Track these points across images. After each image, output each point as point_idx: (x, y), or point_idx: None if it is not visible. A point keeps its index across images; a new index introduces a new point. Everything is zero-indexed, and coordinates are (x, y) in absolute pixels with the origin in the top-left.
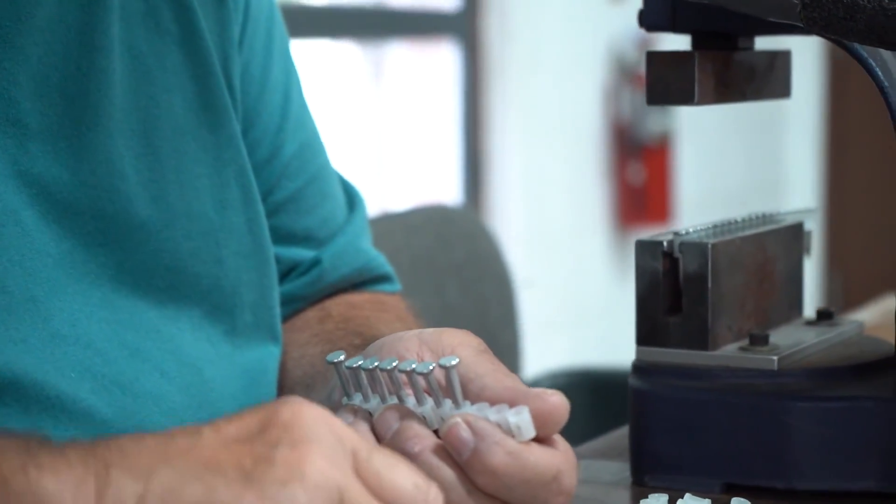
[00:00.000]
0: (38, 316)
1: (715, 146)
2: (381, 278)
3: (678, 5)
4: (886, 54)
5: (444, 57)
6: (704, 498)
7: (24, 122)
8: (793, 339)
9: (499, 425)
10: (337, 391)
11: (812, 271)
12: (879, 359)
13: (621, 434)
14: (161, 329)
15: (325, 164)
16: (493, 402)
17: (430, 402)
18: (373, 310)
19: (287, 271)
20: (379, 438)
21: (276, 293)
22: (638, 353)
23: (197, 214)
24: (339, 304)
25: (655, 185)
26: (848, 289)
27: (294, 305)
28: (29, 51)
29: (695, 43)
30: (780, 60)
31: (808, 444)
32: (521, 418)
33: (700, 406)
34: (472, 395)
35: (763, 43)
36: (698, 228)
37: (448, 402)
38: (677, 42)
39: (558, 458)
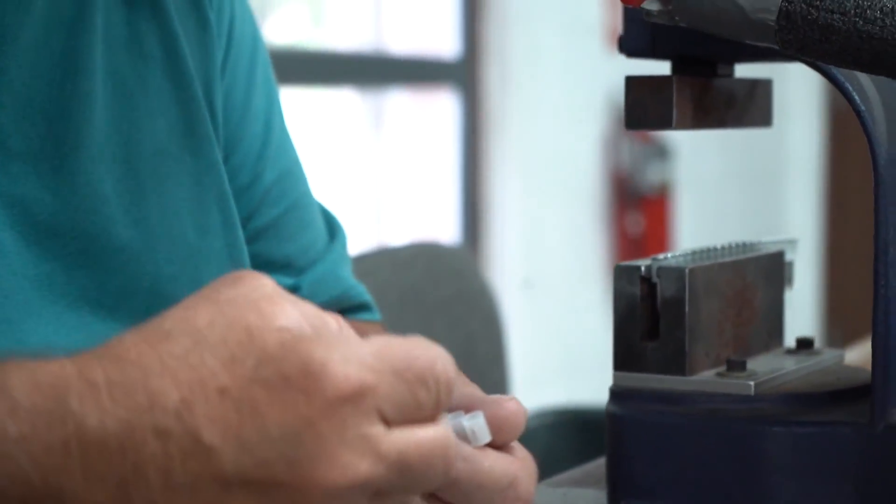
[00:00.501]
0: (11, 337)
1: (714, 197)
2: (361, 307)
3: (658, 31)
4: (863, 78)
5: (443, 104)
6: None
7: (5, 144)
8: (771, 367)
9: (454, 430)
10: None
11: (811, 319)
12: (857, 386)
13: (600, 463)
14: None
15: (306, 192)
16: (450, 410)
17: None
18: None
19: None
20: None
21: None
22: (615, 378)
23: (177, 238)
24: None
25: (654, 236)
26: (847, 337)
27: None
28: (12, 73)
29: (674, 69)
30: (761, 89)
31: (785, 469)
32: (475, 423)
33: (676, 431)
34: None
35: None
36: (677, 255)
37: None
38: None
39: (515, 465)
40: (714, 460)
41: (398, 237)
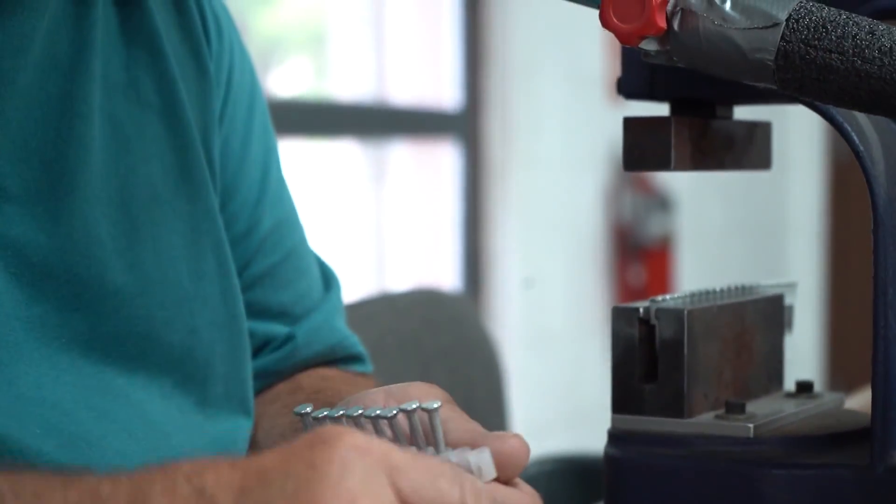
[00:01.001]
0: (1, 379)
1: (716, 248)
2: (354, 358)
3: (656, 73)
4: (862, 119)
5: (445, 156)
6: None
7: (1, 186)
8: (770, 409)
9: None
10: None
11: (813, 367)
12: (856, 429)
13: None
14: (130, 395)
15: (302, 241)
16: (455, 446)
17: None
18: (344, 383)
19: (261, 346)
20: None
21: (248, 366)
22: (613, 420)
23: (172, 283)
24: (310, 377)
25: (656, 287)
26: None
27: (266, 380)
28: (9, 115)
29: (673, 110)
30: (761, 131)
31: None
32: (481, 458)
33: (675, 473)
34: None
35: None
36: (675, 297)
37: (412, 450)
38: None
39: (525, 500)
40: (713, 503)
41: (399, 286)
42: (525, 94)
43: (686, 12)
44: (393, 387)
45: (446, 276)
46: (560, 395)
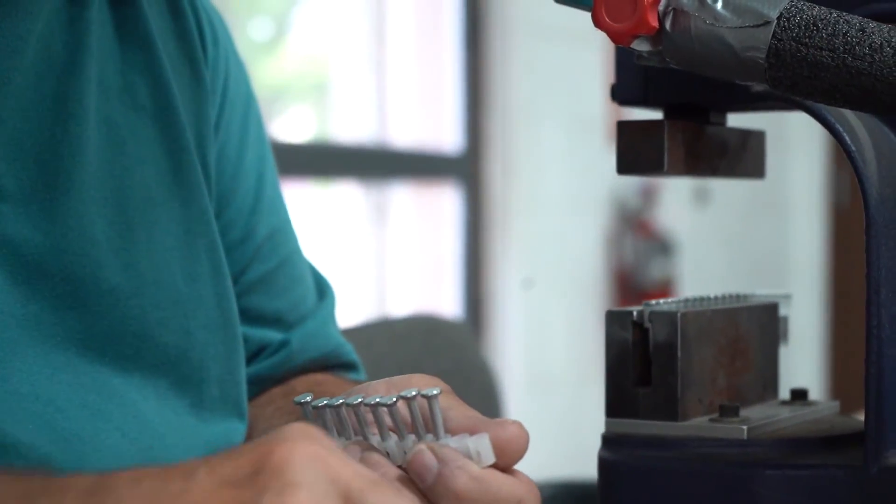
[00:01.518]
0: None
1: (717, 292)
2: (348, 366)
3: (650, 78)
4: (853, 120)
5: (446, 198)
6: None
7: None
8: (764, 414)
9: (460, 451)
10: None
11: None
12: (850, 432)
13: None
14: (124, 395)
15: (297, 249)
16: (454, 433)
17: (393, 438)
18: (337, 388)
19: (256, 352)
20: None
21: (243, 369)
22: (607, 424)
23: (166, 284)
24: (304, 381)
25: None
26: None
27: (261, 386)
28: (4, 115)
29: (667, 115)
30: (754, 140)
31: None
32: (480, 444)
33: (668, 476)
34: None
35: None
36: (669, 301)
37: (411, 438)
38: None
39: (522, 487)
40: None
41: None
42: (526, 137)
43: (678, 12)
44: (395, 378)
45: (447, 317)
46: (559, 438)
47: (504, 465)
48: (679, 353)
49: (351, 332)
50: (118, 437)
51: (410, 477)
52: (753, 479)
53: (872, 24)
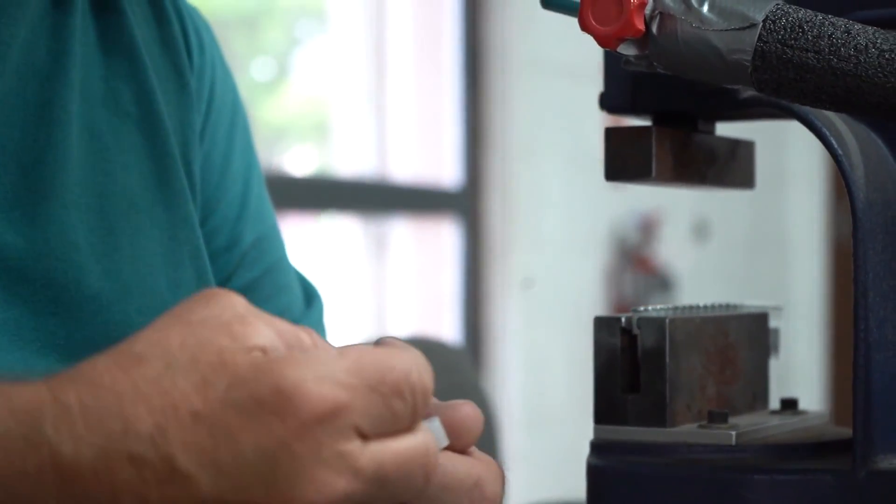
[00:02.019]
0: None
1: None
2: None
3: (638, 86)
4: (840, 125)
5: (445, 233)
6: None
7: None
8: (753, 422)
9: None
10: None
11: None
12: (840, 439)
13: None
14: None
15: (283, 257)
16: None
17: None
18: None
19: None
20: None
21: None
22: (595, 431)
23: (150, 291)
24: None
25: None
26: None
27: None
28: None
29: (655, 124)
30: (743, 149)
31: None
32: (432, 427)
33: (657, 481)
34: None
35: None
36: (658, 308)
37: None
38: None
39: (478, 466)
40: None
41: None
42: (525, 172)
43: (664, 16)
44: None
45: None
46: (559, 474)
47: (460, 446)
48: (667, 359)
49: None
50: None
51: None
52: (742, 485)
53: (858, 26)
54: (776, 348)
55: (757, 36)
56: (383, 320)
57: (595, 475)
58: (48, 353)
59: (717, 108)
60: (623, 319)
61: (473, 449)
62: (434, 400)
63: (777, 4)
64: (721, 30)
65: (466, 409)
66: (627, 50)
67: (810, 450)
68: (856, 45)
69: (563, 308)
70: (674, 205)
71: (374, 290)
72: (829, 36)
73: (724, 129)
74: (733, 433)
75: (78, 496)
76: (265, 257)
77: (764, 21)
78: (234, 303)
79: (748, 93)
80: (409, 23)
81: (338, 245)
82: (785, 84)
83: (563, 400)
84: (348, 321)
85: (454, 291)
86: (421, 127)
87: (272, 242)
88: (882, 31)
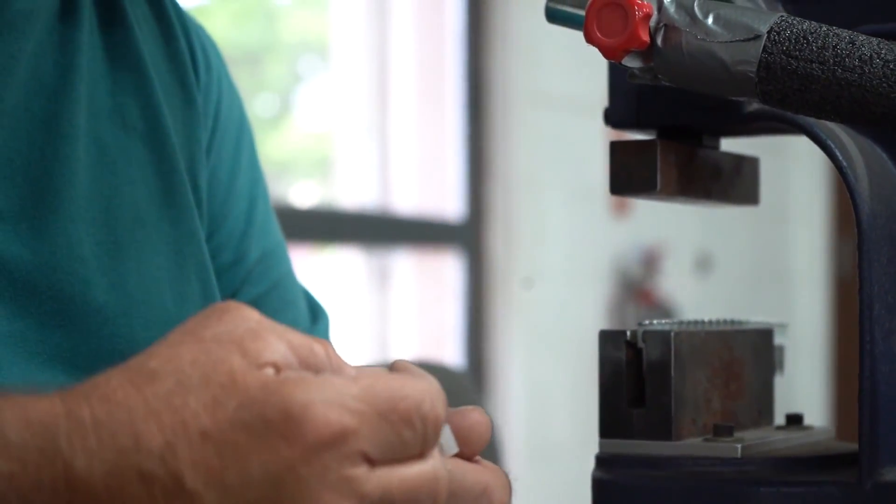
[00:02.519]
0: None
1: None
2: None
3: (642, 101)
4: (845, 138)
5: (447, 266)
6: None
7: None
8: (758, 436)
9: None
10: None
11: None
12: (846, 453)
13: None
14: None
15: (289, 273)
16: None
17: None
18: None
19: None
20: None
21: None
22: (601, 445)
23: (156, 304)
24: None
25: None
26: None
27: None
28: None
29: (660, 136)
30: (748, 166)
31: None
32: (443, 434)
33: (663, 494)
34: None
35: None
36: (663, 322)
37: None
38: None
39: (487, 474)
40: None
41: None
42: (527, 205)
43: (669, 28)
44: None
45: None
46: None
47: (469, 452)
48: (672, 373)
49: None
50: None
51: None
52: (748, 497)
53: (862, 36)
54: (781, 365)
55: (762, 47)
56: (386, 352)
57: (600, 489)
58: (54, 366)
59: (721, 122)
60: (628, 333)
61: (479, 458)
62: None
63: (782, 16)
64: (726, 41)
65: (475, 416)
66: (632, 62)
67: (816, 463)
68: (860, 56)
69: (565, 341)
70: (677, 238)
71: (376, 322)
72: (834, 47)
73: (729, 147)
74: (739, 446)
75: None
76: (271, 273)
77: (769, 32)
78: (248, 316)
79: (753, 106)
80: (411, 56)
81: (341, 277)
82: (790, 95)
83: (565, 432)
84: (352, 353)
85: (456, 324)
86: (423, 160)
87: (278, 258)
88: (886, 42)
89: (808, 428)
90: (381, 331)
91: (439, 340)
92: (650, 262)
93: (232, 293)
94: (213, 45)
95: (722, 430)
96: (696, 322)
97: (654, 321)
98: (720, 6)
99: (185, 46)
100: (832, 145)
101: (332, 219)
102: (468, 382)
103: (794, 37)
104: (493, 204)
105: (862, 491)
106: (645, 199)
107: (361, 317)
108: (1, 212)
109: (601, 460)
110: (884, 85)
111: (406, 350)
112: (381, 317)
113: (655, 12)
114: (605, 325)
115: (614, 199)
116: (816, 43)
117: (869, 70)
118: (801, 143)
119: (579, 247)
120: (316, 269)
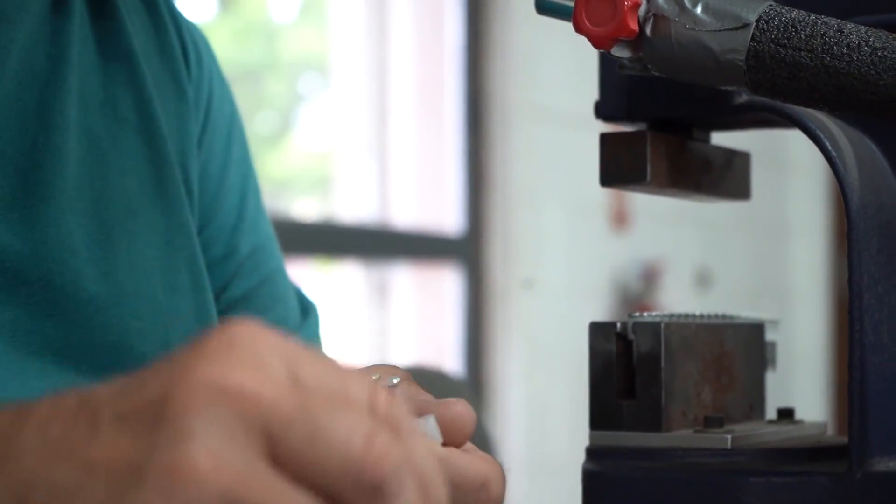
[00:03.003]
0: None
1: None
2: None
3: (633, 93)
4: (834, 128)
5: (446, 280)
6: None
7: None
8: (749, 428)
9: None
10: None
11: None
12: (836, 444)
13: None
14: None
15: (279, 268)
16: None
17: None
18: None
19: None
20: None
21: None
22: (591, 437)
23: (146, 295)
24: None
25: None
26: None
27: None
28: None
29: (650, 128)
30: (739, 160)
31: None
32: (426, 425)
33: (652, 485)
34: None
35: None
36: (653, 314)
37: None
38: None
39: (486, 467)
40: None
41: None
42: (526, 219)
43: (658, 17)
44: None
45: None
46: None
47: (453, 443)
48: (663, 364)
49: None
50: None
51: None
52: (738, 487)
53: (850, 24)
54: (773, 361)
55: (750, 36)
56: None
57: (591, 480)
58: (44, 356)
59: (712, 114)
60: (618, 325)
61: (470, 445)
62: (429, 397)
63: (770, 5)
64: (714, 30)
65: (458, 408)
66: (621, 52)
67: (806, 454)
68: (848, 44)
69: (564, 355)
70: (676, 253)
71: (375, 336)
72: (822, 35)
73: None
74: (729, 437)
75: None
76: (261, 268)
77: (757, 21)
78: None
79: (743, 97)
80: (411, 71)
81: (340, 291)
82: (778, 84)
83: (564, 446)
84: (350, 365)
85: (456, 337)
86: (423, 174)
87: (268, 253)
88: (874, 29)
89: (800, 422)
90: (380, 345)
91: (438, 354)
92: (650, 276)
93: (223, 287)
94: (205, 40)
95: (712, 422)
96: (686, 315)
97: (645, 313)
98: None
99: (176, 40)
100: (822, 136)
101: (331, 233)
102: (467, 389)
103: (782, 25)
104: (493, 218)
105: (852, 481)
106: (635, 190)
107: (361, 331)
108: None
109: (591, 452)
110: (872, 72)
111: (405, 363)
112: (381, 331)
113: (644, 1)
114: None
115: (614, 213)
116: (805, 31)
117: (857, 57)
118: (802, 158)
119: (579, 261)
120: (315, 283)
